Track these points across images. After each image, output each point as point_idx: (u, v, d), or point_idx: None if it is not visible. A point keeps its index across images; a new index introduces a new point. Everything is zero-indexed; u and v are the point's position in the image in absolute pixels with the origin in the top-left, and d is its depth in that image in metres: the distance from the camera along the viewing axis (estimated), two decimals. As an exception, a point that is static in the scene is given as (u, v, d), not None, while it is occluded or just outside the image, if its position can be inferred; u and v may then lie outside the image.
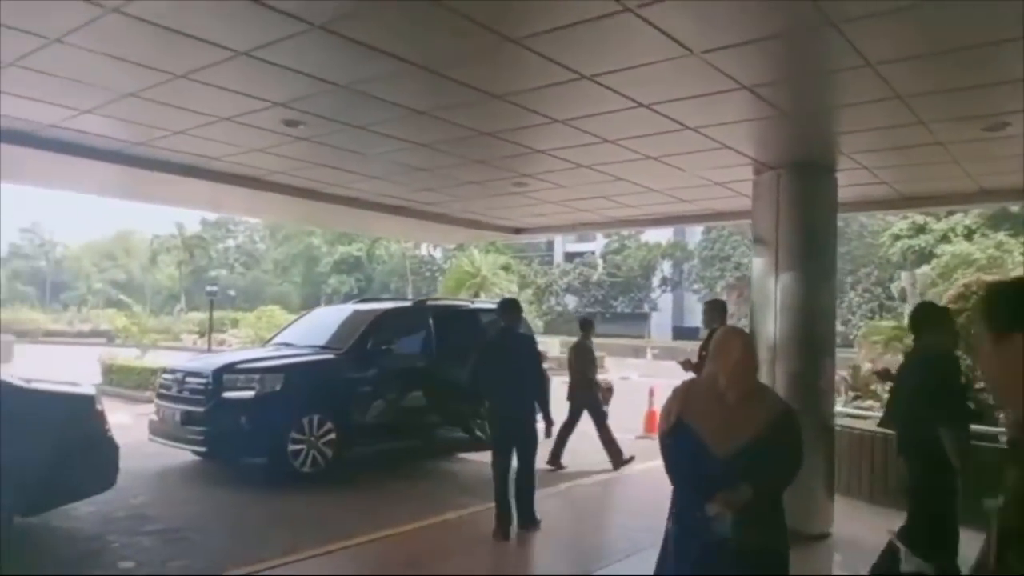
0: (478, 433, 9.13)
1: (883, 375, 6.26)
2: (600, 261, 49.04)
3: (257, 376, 7.18)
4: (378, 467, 7.92)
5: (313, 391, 7.38)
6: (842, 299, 37.45)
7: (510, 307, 6.14)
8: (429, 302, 9.65)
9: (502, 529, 5.64)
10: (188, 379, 7.36)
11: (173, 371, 7.71)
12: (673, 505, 2.87)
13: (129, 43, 3.61)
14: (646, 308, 47.51)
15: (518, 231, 9.92)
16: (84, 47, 3.63)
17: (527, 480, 5.85)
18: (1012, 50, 3.39)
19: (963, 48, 3.41)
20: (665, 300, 47.83)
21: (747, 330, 5.00)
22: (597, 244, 50.98)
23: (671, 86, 4.03)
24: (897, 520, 6.47)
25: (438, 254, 49.06)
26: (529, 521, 5.80)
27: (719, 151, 5.42)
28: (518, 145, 5.39)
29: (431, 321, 8.96)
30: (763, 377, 5.90)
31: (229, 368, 7.31)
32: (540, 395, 6.08)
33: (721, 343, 2.88)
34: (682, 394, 2.88)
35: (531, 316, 30.16)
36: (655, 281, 47.64)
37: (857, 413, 7.73)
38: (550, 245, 55.18)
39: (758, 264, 6.19)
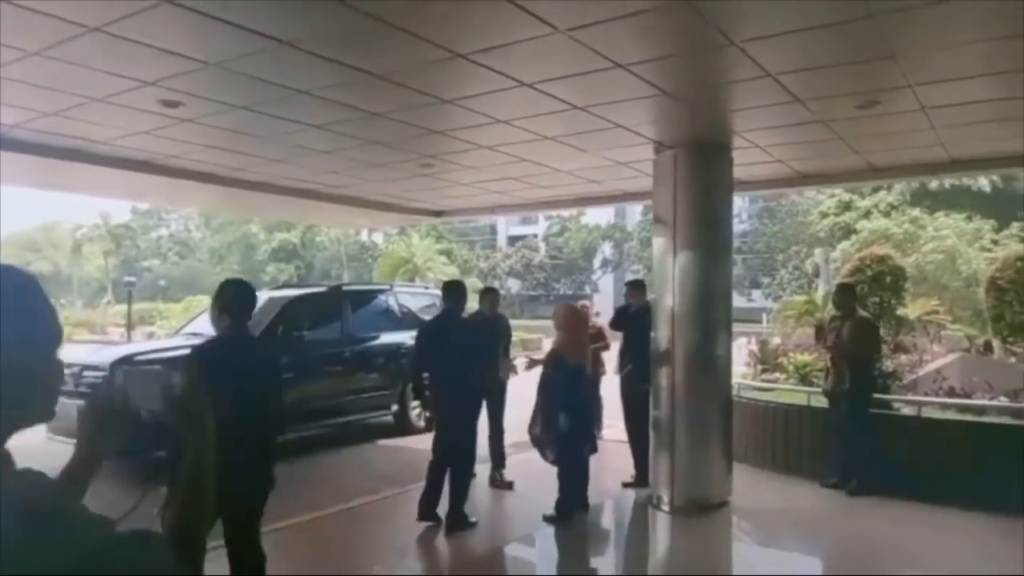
0: (416, 420, 9.13)
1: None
2: (542, 244, 49.24)
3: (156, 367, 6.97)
4: (292, 455, 7.80)
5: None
6: (774, 276, 38.62)
7: (452, 289, 5.83)
8: (344, 287, 9.53)
9: (420, 511, 5.45)
10: (85, 373, 7.07)
11: (70, 365, 7.41)
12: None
13: (-32, 18, 3.41)
14: (588, 290, 47.99)
15: (438, 214, 9.85)
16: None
17: (457, 475, 5.45)
18: (872, 27, 3.49)
19: (822, 26, 3.49)
20: (606, 281, 48.39)
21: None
22: (539, 227, 51.14)
23: (546, 65, 4.03)
24: (798, 488, 6.78)
25: (379, 239, 48.49)
26: (455, 520, 5.38)
27: (614, 131, 5.46)
28: (412, 126, 5.32)
29: (348, 306, 8.86)
30: (664, 351, 6.10)
31: (127, 360, 7.07)
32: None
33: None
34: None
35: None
36: (596, 263, 48.14)
37: (765, 386, 7.98)
38: (493, 229, 55.11)
39: (658, 243, 6.30)
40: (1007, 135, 5.55)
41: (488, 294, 7.20)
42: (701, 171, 6.04)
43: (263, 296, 9.30)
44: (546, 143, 5.83)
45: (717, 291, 6.11)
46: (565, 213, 45.99)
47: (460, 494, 5.40)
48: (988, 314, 9.92)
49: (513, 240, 51.93)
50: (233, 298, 3.40)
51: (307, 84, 4.36)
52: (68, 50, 3.74)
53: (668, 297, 6.08)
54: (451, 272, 27.80)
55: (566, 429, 5.45)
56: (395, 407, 9.18)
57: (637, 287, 7.12)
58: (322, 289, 9.33)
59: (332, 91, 4.49)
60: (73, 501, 0.92)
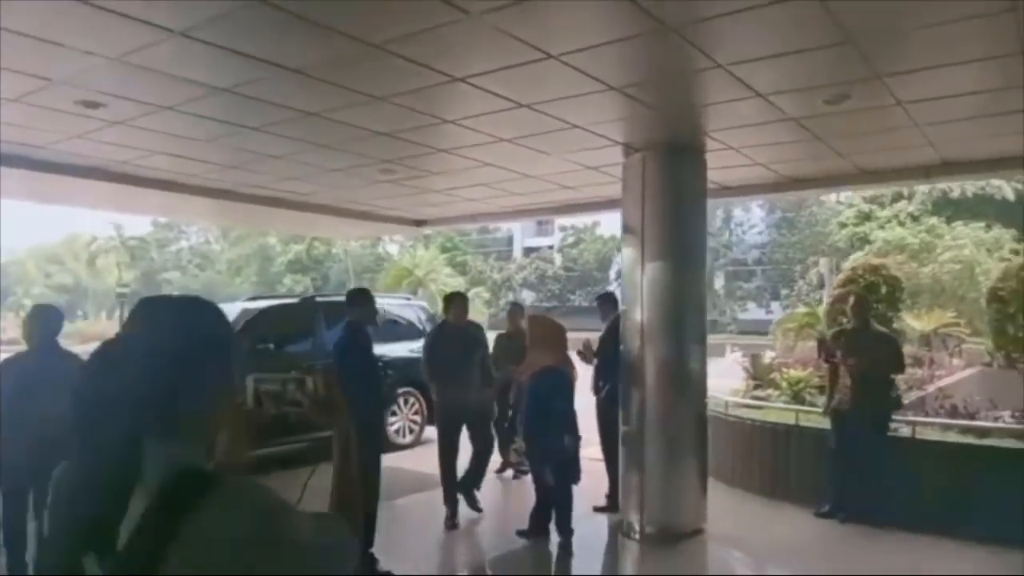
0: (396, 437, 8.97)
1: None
2: (557, 255, 48.84)
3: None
4: (255, 472, 7.51)
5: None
6: (792, 288, 37.86)
7: (352, 299, 5.19)
8: (319, 298, 9.23)
9: None
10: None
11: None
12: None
13: None
14: (603, 301, 47.41)
15: (419, 223, 9.56)
16: None
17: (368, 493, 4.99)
18: (818, 8, 3.11)
19: (757, 7, 3.10)
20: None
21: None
22: (555, 238, 50.77)
23: (470, 56, 3.71)
24: (783, 514, 6.30)
25: (394, 250, 48.47)
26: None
27: (571, 131, 5.11)
28: (353, 127, 5.01)
29: (321, 318, 8.57)
30: (633, 366, 5.71)
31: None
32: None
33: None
34: None
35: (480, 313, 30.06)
36: (612, 273, 47.59)
37: (752, 403, 7.52)
38: (510, 240, 54.83)
39: (627, 254, 5.93)
40: (1001, 133, 5.10)
41: (453, 300, 6.43)
42: (671, 175, 5.66)
43: (237, 307, 9.09)
44: (503, 145, 5.49)
45: (689, 303, 5.71)
46: (579, 224, 45.60)
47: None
48: (989, 327, 9.34)
49: (529, 251, 51.60)
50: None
51: (221, 81, 4.07)
52: (-50, 44, 3.48)
53: (637, 310, 5.70)
54: (455, 284, 27.43)
55: (566, 449, 5.22)
56: (371, 423, 8.85)
57: (606, 301, 6.71)
58: (294, 300, 9.06)
59: (252, 88, 4.19)
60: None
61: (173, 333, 1.09)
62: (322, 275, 52.42)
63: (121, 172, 6.45)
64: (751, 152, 5.77)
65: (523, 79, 4.00)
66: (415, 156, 5.90)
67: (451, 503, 5.94)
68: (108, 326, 36.69)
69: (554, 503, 5.42)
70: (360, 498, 1.37)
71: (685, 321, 5.65)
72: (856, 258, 15.78)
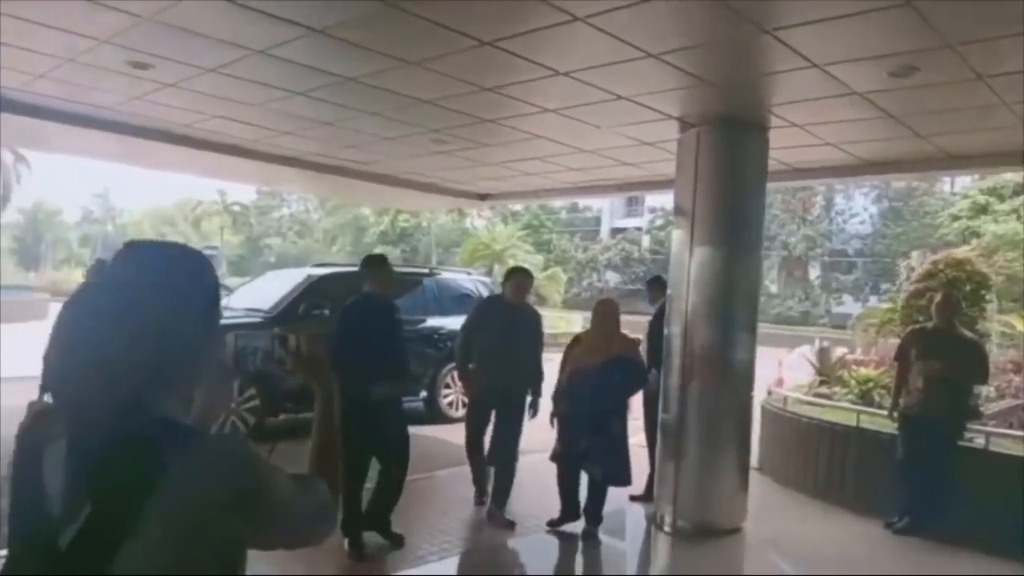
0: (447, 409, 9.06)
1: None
2: (645, 237, 47.75)
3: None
4: (306, 435, 7.71)
5: (234, 355, 7.19)
6: (894, 282, 35.63)
7: (368, 267, 4.84)
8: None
9: None
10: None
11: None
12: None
13: None
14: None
15: (483, 197, 9.49)
16: None
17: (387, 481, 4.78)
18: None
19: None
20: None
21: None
22: (644, 220, 49.64)
23: (492, 16, 3.55)
24: (835, 519, 5.89)
25: (481, 225, 48.83)
26: (381, 528, 4.75)
27: (618, 103, 4.87)
28: (395, 94, 4.95)
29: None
30: (676, 352, 5.43)
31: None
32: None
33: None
34: None
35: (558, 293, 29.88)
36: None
37: (815, 401, 7.06)
38: (598, 220, 54.09)
39: (677, 237, 5.63)
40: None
41: (512, 275, 5.62)
42: (727, 152, 5.31)
43: (303, 272, 9.34)
44: (550, 116, 5.30)
45: (739, 290, 5.38)
46: (669, 206, 44.42)
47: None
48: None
49: (616, 232, 50.70)
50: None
51: (254, 42, 4.08)
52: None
53: (683, 295, 5.42)
54: (534, 261, 27.27)
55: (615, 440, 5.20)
56: (424, 393, 8.96)
57: (655, 285, 6.40)
58: (355, 269, 9.16)
59: (286, 50, 4.18)
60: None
61: (157, 281, 1.06)
62: (412, 247, 53.49)
63: (184, 135, 6.66)
64: (818, 130, 5.34)
65: (553, 44, 3.81)
66: (463, 126, 5.79)
67: (479, 481, 5.87)
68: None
69: (588, 491, 5.25)
70: (343, 462, 1.33)
71: (734, 308, 5.33)
72: (960, 252, 14.55)
